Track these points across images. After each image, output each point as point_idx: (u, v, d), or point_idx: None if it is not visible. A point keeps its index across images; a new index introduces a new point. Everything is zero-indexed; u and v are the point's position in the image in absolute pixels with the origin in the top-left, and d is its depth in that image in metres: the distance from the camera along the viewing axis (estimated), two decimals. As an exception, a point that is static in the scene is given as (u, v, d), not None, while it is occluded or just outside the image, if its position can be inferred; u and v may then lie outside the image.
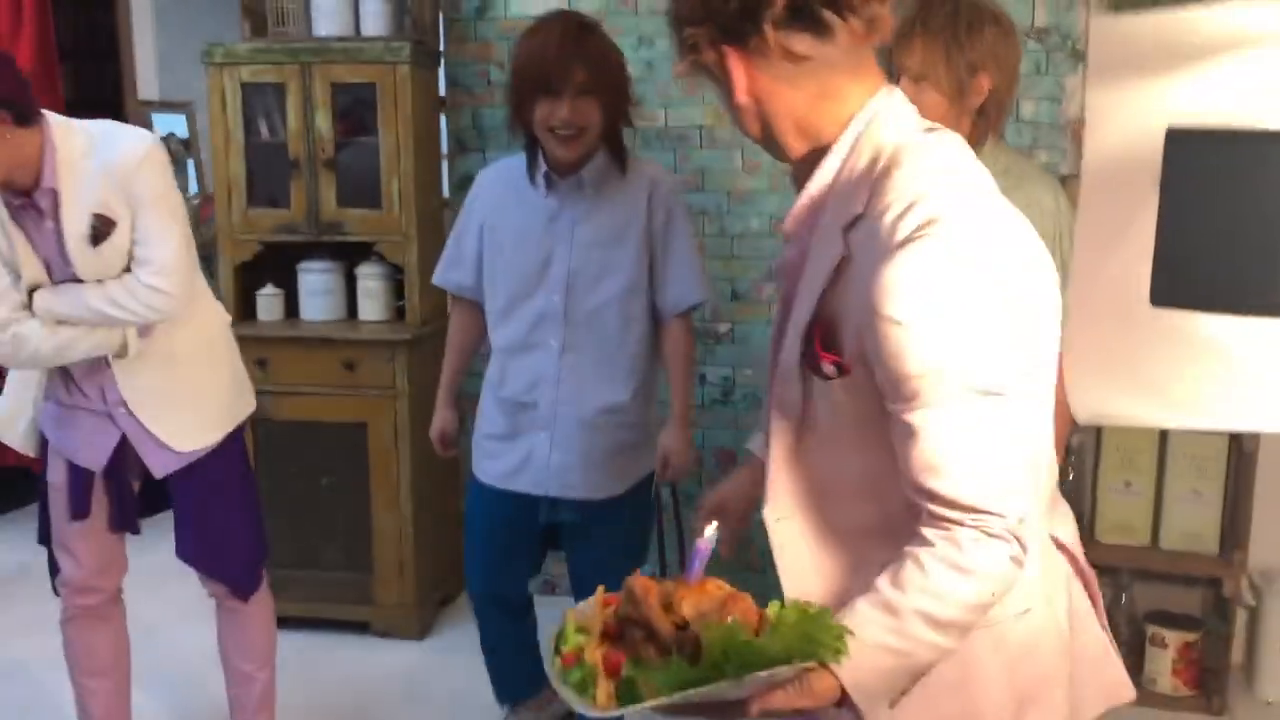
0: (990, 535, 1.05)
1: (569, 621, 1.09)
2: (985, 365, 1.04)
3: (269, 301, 3.34)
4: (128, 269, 2.15)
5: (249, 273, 3.35)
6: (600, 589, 1.10)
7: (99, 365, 2.23)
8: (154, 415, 2.27)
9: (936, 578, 1.05)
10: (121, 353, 2.19)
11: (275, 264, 3.44)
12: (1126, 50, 0.82)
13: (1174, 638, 2.86)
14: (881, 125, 1.13)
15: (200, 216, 9.91)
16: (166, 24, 5.88)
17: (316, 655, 3.18)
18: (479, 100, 3.43)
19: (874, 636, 1.05)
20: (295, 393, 3.21)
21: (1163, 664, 2.87)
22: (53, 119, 2.09)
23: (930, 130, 1.16)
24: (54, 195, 2.08)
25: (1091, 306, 0.82)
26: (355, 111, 3.36)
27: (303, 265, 3.34)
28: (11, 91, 2.01)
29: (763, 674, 0.97)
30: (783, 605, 1.05)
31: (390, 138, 3.18)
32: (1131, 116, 0.80)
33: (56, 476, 2.31)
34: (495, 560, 2.43)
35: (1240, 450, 2.75)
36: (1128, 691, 1.34)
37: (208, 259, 6.10)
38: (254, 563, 2.47)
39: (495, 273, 2.30)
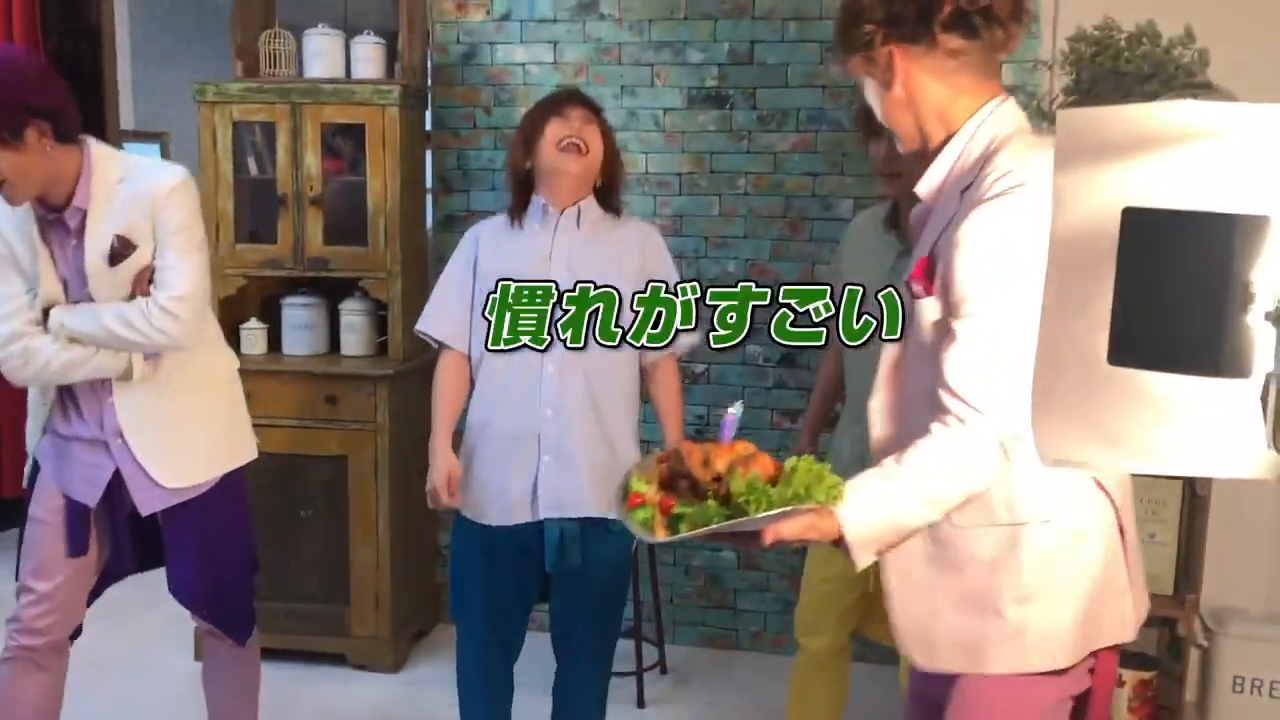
0: (976, 431, 1.33)
1: (633, 474, 1.42)
2: (1019, 301, 1.27)
3: (252, 335, 3.39)
4: (142, 295, 2.18)
5: (232, 307, 3.40)
6: (654, 456, 1.42)
7: (101, 392, 2.24)
8: (147, 447, 2.26)
9: (928, 457, 1.35)
10: (126, 375, 2.21)
11: (259, 299, 3.50)
12: (1088, 139, 0.92)
13: (1130, 676, 2.95)
14: (998, 119, 1.44)
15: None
16: (143, 55, 5.94)
17: (293, 687, 3.20)
18: (464, 142, 3.52)
19: (871, 493, 1.36)
20: (277, 425, 3.25)
21: (1119, 702, 2.96)
22: (94, 144, 2.17)
23: (1032, 131, 1.46)
24: (83, 215, 2.14)
25: (1056, 365, 0.92)
26: (342, 151, 3.45)
27: (287, 300, 3.40)
28: (55, 105, 2.07)
29: (773, 512, 1.28)
30: (798, 460, 1.35)
31: (378, 177, 3.26)
32: (1092, 196, 0.90)
33: (41, 510, 2.29)
34: (498, 604, 2.38)
35: (1194, 495, 2.86)
36: (1126, 633, 1.52)
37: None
38: (249, 610, 2.48)
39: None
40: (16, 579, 2.35)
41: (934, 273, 1.41)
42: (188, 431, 2.32)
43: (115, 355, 2.20)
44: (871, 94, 1.50)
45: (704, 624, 3.57)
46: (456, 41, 3.49)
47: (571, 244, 2.29)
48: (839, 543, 1.37)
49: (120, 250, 2.16)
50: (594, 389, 2.29)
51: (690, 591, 3.57)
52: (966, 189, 1.41)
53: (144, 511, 2.30)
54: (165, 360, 2.26)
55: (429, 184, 3.62)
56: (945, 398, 1.37)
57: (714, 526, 1.30)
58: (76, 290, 2.19)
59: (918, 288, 1.42)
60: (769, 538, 1.33)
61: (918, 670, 1.58)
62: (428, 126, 3.58)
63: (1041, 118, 3.15)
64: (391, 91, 3.23)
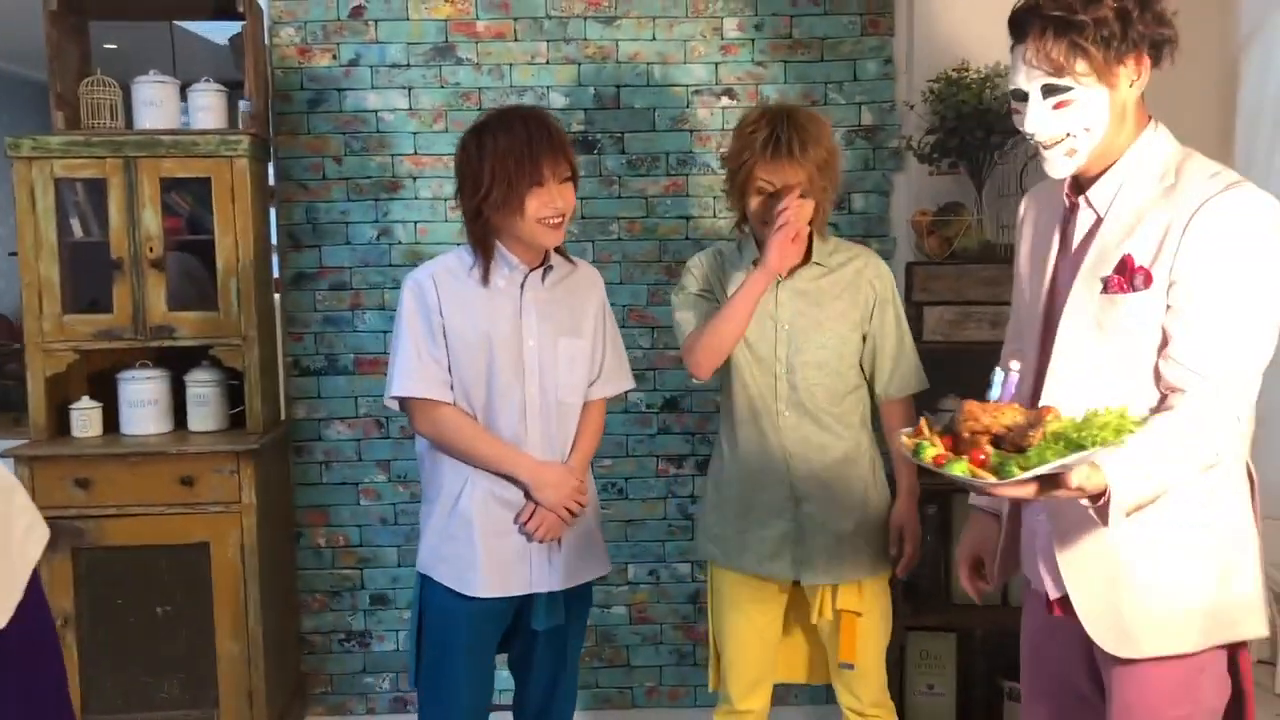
0: (1216, 399, 1.50)
1: (910, 443, 1.50)
2: (1258, 284, 1.50)
3: (85, 416, 3.02)
4: None
5: (59, 386, 3.03)
6: (923, 419, 1.52)
7: None
8: None
9: (1177, 420, 1.49)
10: None
11: (86, 375, 3.13)
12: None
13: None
14: (1163, 136, 1.64)
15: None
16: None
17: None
18: (313, 194, 3.29)
19: (1130, 453, 1.40)
20: (124, 514, 2.91)
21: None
22: None
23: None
24: None
25: None
26: (181, 208, 3.15)
27: (124, 375, 3.06)
28: None
29: (1109, 447, 1.34)
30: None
31: (228, 234, 2.99)
32: None
33: None
34: (483, 676, 2.29)
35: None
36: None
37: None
38: None
39: (466, 376, 2.20)
40: None
41: (1141, 270, 1.56)
42: None
43: None
44: (1091, 105, 1.57)
45: (597, 685, 3.44)
46: (300, 88, 3.27)
47: (538, 299, 2.23)
48: (1099, 498, 1.43)
49: None
50: (564, 450, 2.29)
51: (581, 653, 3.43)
52: (1167, 192, 1.58)
53: None
54: None
55: (274, 240, 3.36)
56: (1182, 374, 1.52)
57: (1051, 464, 1.36)
58: None
59: (1137, 281, 1.56)
60: (1074, 480, 1.38)
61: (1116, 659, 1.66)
62: (271, 179, 3.33)
63: (901, 156, 3.28)
64: (240, 142, 2.98)
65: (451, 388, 2.20)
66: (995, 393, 1.51)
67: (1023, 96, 1.61)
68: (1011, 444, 1.42)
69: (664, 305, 3.30)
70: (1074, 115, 1.57)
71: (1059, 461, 1.35)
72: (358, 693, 3.42)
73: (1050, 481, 1.39)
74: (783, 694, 3.19)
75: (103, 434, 3.05)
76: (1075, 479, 1.38)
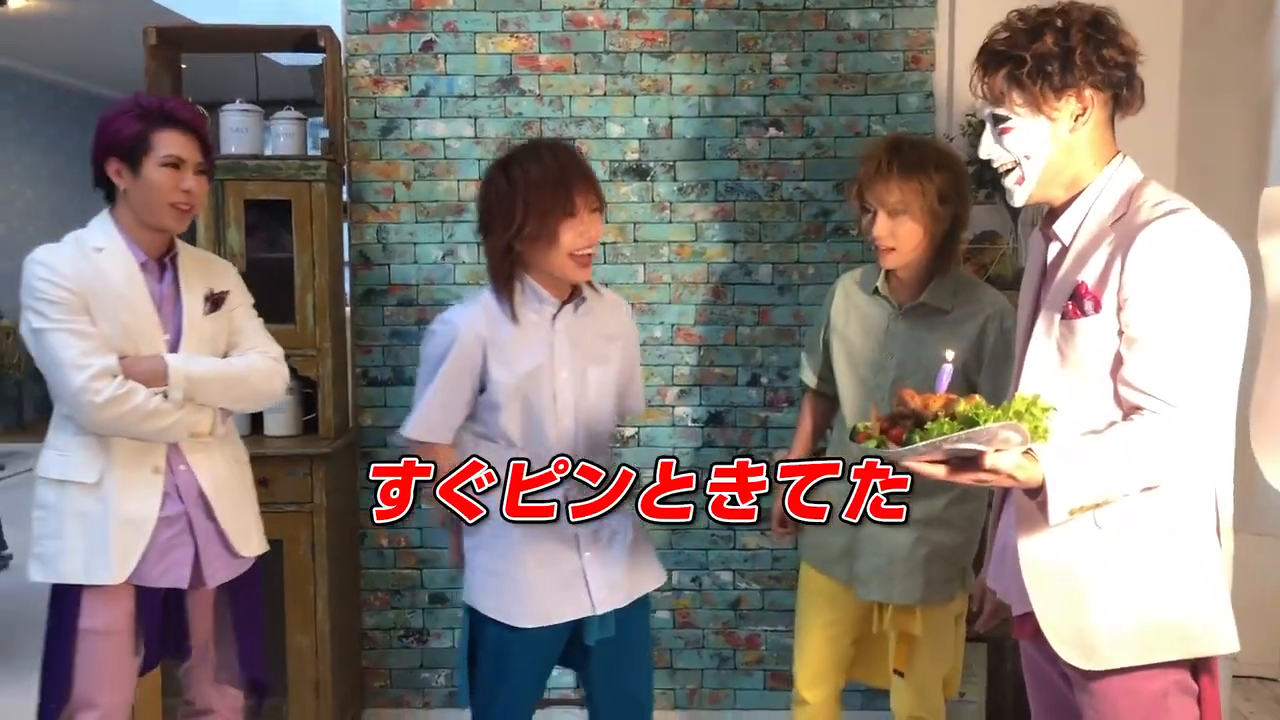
0: (1170, 420, 1.54)
1: (859, 422, 1.61)
2: (1200, 305, 1.55)
3: (171, 419, 3.25)
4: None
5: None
6: (873, 406, 1.70)
7: (174, 459, 2.26)
8: (227, 513, 2.30)
9: (1129, 432, 1.56)
10: (206, 432, 2.26)
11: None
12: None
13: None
14: (1128, 168, 1.71)
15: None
16: None
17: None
18: (384, 216, 3.51)
19: (1076, 449, 1.54)
20: (205, 512, 3.12)
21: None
22: None
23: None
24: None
25: (1273, 411, 1.11)
26: (261, 227, 3.38)
27: (207, 381, 3.28)
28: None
29: (997, 424, 1.43)
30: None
31: (305, 252, 3.22)
32: None
33: (100, 619, 2.18)
34: (536, 693, 2.32)
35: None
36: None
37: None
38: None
39: (503, 415, 2.19)
40: (47, 713, 2.21)
41: (1090, 295, 1.62)
42: (249, 498, 2.41)
43: (199, 410, 2.23)
44: (1029, 134, 1.67)
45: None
46: (374, 116, 3.49)
47: (569, 332, 2.23)
48: (1038, 493, 1.52)
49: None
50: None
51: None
52: (1117, 221, 1.65)
53: (212, 584, 2.31)
54: (229, 423, 2.37)
55: (346, 258, 3.58)
56: (1135, 396, 1.58)
57: (945, 435, 1.45)
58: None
59: (1086, 306, 1.63)
60: (987, 461, 1.47)
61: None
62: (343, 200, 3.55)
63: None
64: (319, 167, 3.20)
65: (470, 429, 2.24)
66: (941, 381, 1.60)
67: (983, 125, 1.75)
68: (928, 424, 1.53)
69: (710, 324, 3.48)
70: (1014, 142, 1.68)
71: (951, 435, 1.45)
72: (415, 687, 3.61)
73: (967, 463, 1.49)
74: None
75: (186, 437, 3.28)
76: (994, 461, 1.47)
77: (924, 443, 1.47)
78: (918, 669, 2.48)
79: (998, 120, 1.70)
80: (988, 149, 1.73)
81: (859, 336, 2.48)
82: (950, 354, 1.64)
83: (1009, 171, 1.73)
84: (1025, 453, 1.50)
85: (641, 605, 2.34)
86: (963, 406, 1.47)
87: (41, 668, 2.22)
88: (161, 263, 2.32)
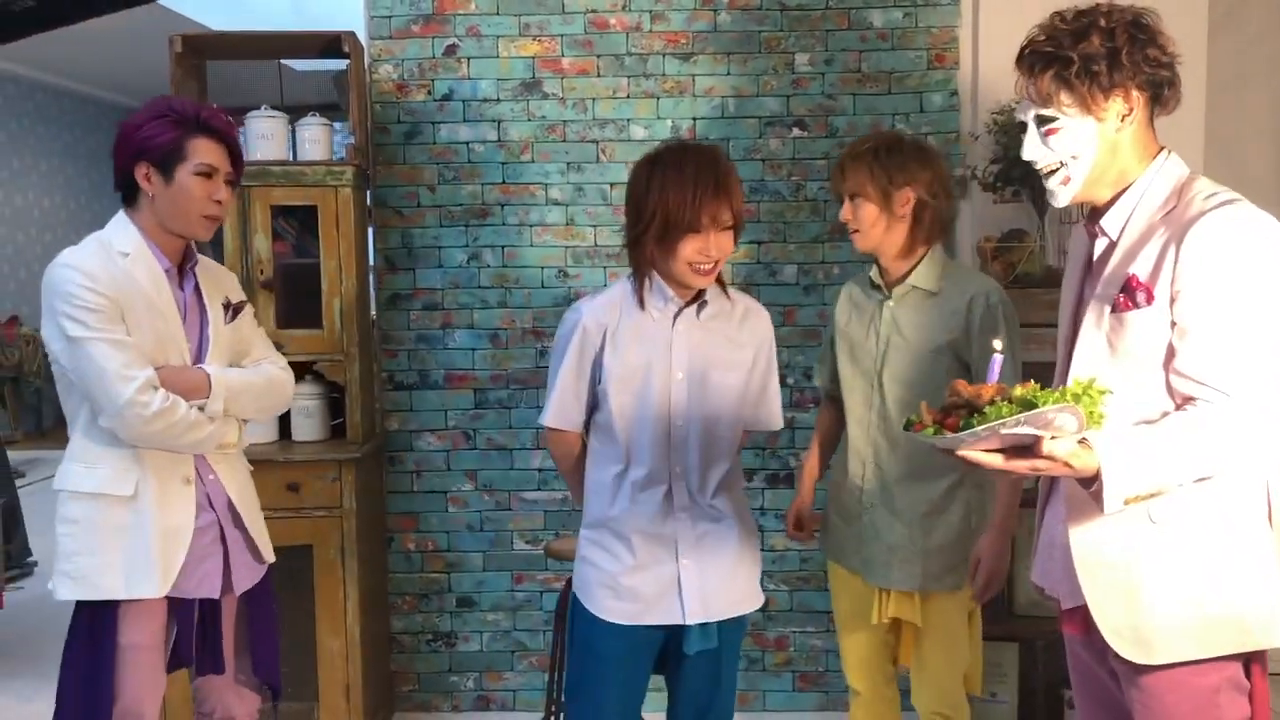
0: (1226, 409, 1.55)
1: (910, 415, 1.62)
2: (1256, 294, 1.56)
3: (199, 425, 3.26)
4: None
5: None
6: (923, 404, 1.62)
7: (202, 469, 2.27)
8: (251, 519, 2.33)
9: (1185, 421, 1.57)
10: (232, 443, 2.30)
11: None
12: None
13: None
14: (1173, 163, 1.72)
15: (6, 337, 9.34)
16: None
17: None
18: (408, 221, 3.52)
19: (1131, 438, 1.54)
20: (235, 517, 3.13)
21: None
22: None
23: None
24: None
25: None
26: (288, 233, 3.39)
27: (235, 387, 3.29)
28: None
29: (1056, 406, 1.43)
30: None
31: (332, 258, 3.23)
32: None
33: (138, 634, 2.16)
34: (631, 694, 2.28)
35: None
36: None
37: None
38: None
39: (615, 404, 2.20)
40: None
41: (1143, 287, 1.63)
42: (258, 504, 2.42)
43: (228, 422, 2.24)
44: (1077, 134, 1.68)
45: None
46: (397, 121, 3.50)
47: (690, 331, 2.20)
48: (1092, 482, 1.52)
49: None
50: (706, 481, 2.26)
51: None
52: (1167, 215, 1.67)
53: (239, 591, 2.32)
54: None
55: (371, 262, 3.59)
56: (1188, 386, 1.59)
57: (1003, 419, 1.45)
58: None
59: (1139, 298, 1.64)
60: (1044, 447, 1.47)
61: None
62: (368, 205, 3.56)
63: (965, 185, 3.42)
64: (345, 172, 3.21)
65: (590, 419, 2.26)
66: (993, 372, 1.61)
67: (1024, 127, 1.74)
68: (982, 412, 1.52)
69: (737, 326, 3.47)
70: (1061, 143, 1.69)
71: (1011, 419, 1.44)
72: (443, 691, 3.61)
73: (1022, 451, 1.49)
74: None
75: (215, 442, 3.29)
76: (1049, 448, 1.47)
77: (982, 426, 1.46)
78: (929, 663, 2.53)
79: (1043, 121, 1.70)
80: (1032, 150, 1.73)
81: (858, 330, 2.57)
82: (999, 344, 1.65)
83: (1053, 172, 1.73)
84: (1080, 442, 1.50)
85: (736, 627, 2.30)
86: (1019, 391, 1.47)
87: (74, 684, 2.16)
88: (182, 270, 2.29)
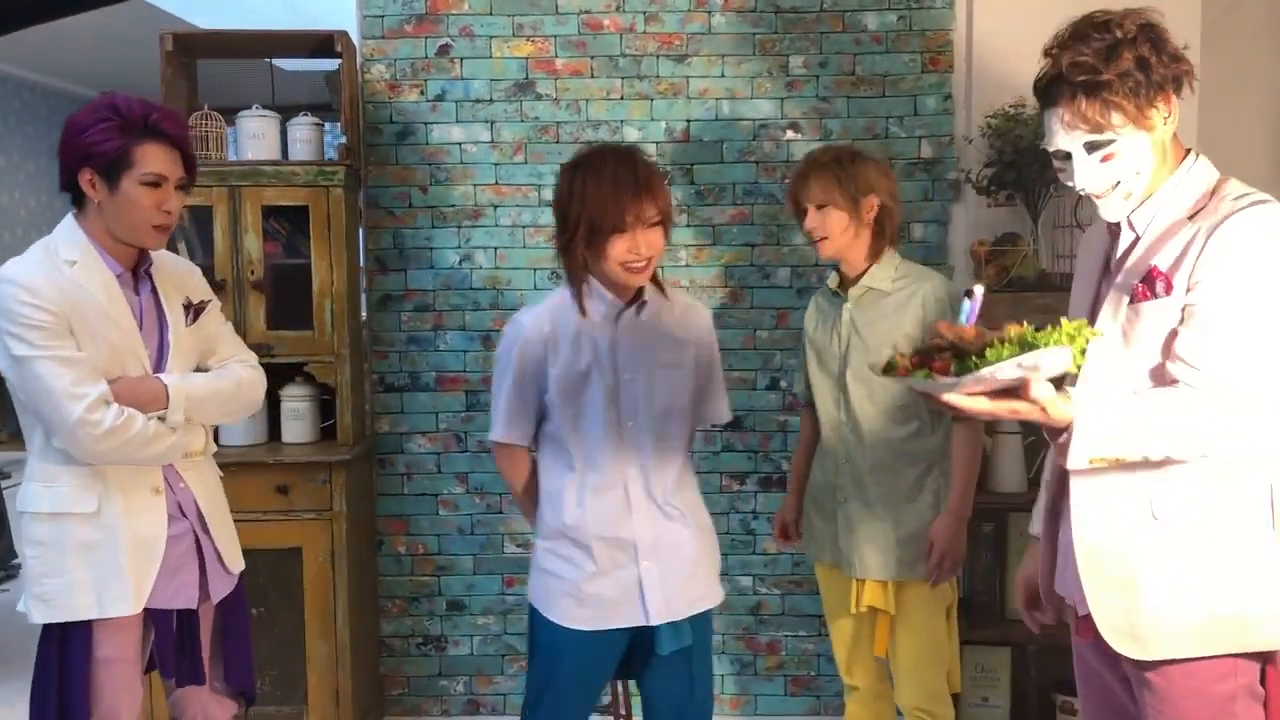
0: (1210, 394, 1.55)
1: (893, 359, 1.59)
2: (1272, 292, 1.58)
3: (188, 426, 3.23)
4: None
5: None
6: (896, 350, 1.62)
7: (172, 478, 2.21)
8: (219, 530, 2.27)
9: (1166, 395, 1.58)
10: (206, 448, 2.26)
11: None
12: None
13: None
14: (1203, 165, 1.73)
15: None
16: None
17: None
18: (400, 221, 3.50)
19: (1110, 396, 1.56)
20: (224, 520, 3.10)
21: None
22: None
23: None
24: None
25: None
26: (279, 233, 3.37)
27: (224, 388, 3.26)
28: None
29: (1057, 348, 1.42)
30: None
31: (323, 258, 3.20)
32: None
33: (113, 648, 2.11)
34: (588, 699, 2.29)
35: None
36: None
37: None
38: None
39: (565, 412, 2.21)
40: None
41: (1163, 276, 1.65)
42: (228, 512, 2.36)
43: (192, 430, 2.18)
44: (1134, 151, 1.67)
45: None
46: (389, 121, 3.48)
47: (633, 334, 2.21)
48: (1061, 434, 1.53)
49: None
50: (661, 482, 2.26)
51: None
52: (1196, 214, 1.68)
53: (215, 600, 2.28)
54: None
55: (362, 263, 3.57)
56: (1180, 369, 1.59)
57: (1005, 360, 1.42)
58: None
59: (1158, 288, 1.65)
60: (1032, 389, 1.47)
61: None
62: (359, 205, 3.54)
63: (957, 188, 3.41)
64: (336, 172, 3.19)
65: (538, 431, 2.27)
66: (963, 318, 1.56)
67: (1065, 156, 1.70)
68: (975, 354, 1.48)
69: (728, 328, 3.46)
70: (1121, 165, 1.67)
71: (1012, 359, 1.41)
72: (433, 695, 3.59)
73: (1005, 394, 1.49)
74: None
75: (203, 444, 3.26)
76: (1036, 390, 1.46)
77: (987, 368, 1.43)
78: (904, 655, 2.59)
79: (1095, 147, 1.67)
80: (1087, 178, 1.69)
81: (823, 336, 2.67)
82: (979, 288, 1.60)
83: (1111, 191, 1.70)
84: (1059, 391, 1.51)
85: (704, 625, 2.31)
86: (1014, 331, 1.45)
87: (47, 698, 2.11)
88: (136, 274, 2.18)
